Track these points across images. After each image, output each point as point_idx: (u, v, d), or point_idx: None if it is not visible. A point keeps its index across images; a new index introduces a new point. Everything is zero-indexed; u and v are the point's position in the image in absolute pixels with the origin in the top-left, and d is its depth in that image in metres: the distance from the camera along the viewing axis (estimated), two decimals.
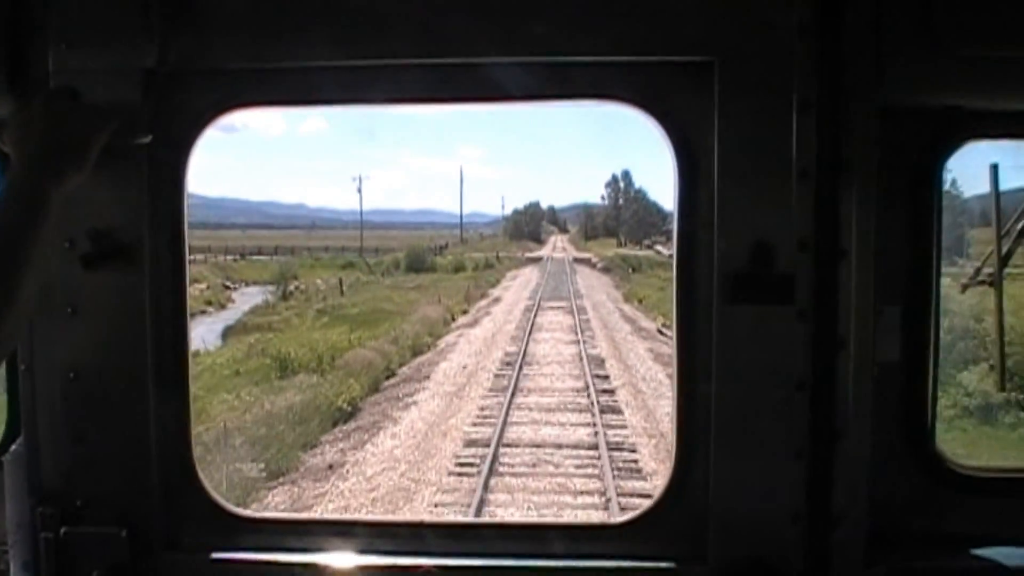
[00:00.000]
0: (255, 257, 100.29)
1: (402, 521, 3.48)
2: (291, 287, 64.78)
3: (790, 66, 2.57)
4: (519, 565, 2.79)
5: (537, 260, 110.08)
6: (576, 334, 38.37)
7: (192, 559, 2.83)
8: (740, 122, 2.61)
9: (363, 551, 2.85)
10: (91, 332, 2.73)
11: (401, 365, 32.24)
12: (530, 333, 38.26)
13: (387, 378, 30.11)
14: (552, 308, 49.75)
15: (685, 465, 2.79)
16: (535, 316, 45.47)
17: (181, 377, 2.86)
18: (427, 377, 29.64)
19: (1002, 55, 2.41)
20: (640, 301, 52.75)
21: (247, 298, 60.41)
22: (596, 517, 15.53)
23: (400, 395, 27.20)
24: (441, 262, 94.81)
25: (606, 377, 28.37)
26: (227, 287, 68.44)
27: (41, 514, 2.75)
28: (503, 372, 29.28)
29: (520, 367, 29.73)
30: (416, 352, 35.52)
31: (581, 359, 31.46)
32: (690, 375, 2.76)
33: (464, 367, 30.83)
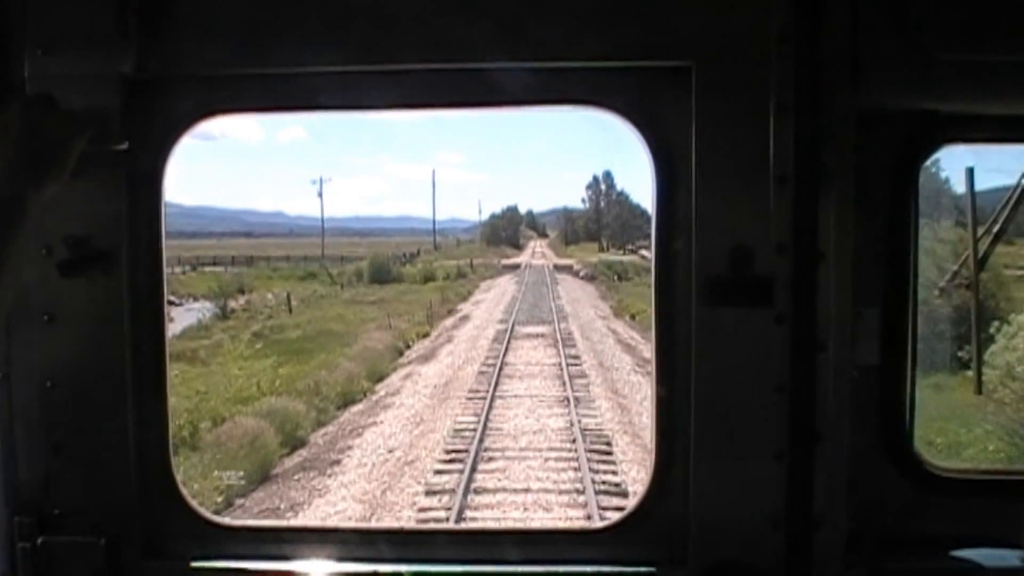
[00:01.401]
0: (210, 268, 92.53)
1: (382, 528, 3.59)
2: (239, 302, 56.87)
3: (768, 70, 2.58)
4: (498, 571, 2.81)
5: (515, 268, 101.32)
6: (563, 385, 26.63)
7: (171, 567, 2.82)
8: (718, 126, 2.62)
9: (342, 558, 2.85)
10: (68, 340, 2.72)
11: (298, 447, 21.21)
12: (495, 388, 25.99)
13: (273, 466, 19.61)
14: (530, 336, 38.24)
15: (665, 469, 2.79)
16: (505, 351, 33.42)
17: (159, 385, 2.85)
18: (334, 465, 19.70)
19: (979, 59, 2.35)
20: (633, 317, 43.86)
21: (190, 315, 51.81)
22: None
23: (277, 504, 17.49)
24: (410, 271, 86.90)
25: (622, 492, 16.81)
26: (170, 303, 60.73)
27: (19, 523, 2.74)
28: (447, 468, 18.45)
29: (473, 464, 18.38)
30: (346, 402, 26.32)
31: (575, 446, 19.60)
32: (669, 379, 2.77)
33: (391, 451, 20.29)
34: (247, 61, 2.70)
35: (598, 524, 3.30)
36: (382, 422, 23.77)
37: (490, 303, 59.17)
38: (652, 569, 2.77)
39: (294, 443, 21.56)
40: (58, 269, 2.68)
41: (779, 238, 2.61)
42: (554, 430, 21.57)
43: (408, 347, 38.19)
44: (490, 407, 23.83)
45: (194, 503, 2.92)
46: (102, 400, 2.76)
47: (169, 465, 2.89)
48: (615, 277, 75.22)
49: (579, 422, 21.82)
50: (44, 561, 2.74)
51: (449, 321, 48.59)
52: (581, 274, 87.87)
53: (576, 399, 24.59)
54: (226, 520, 3.07)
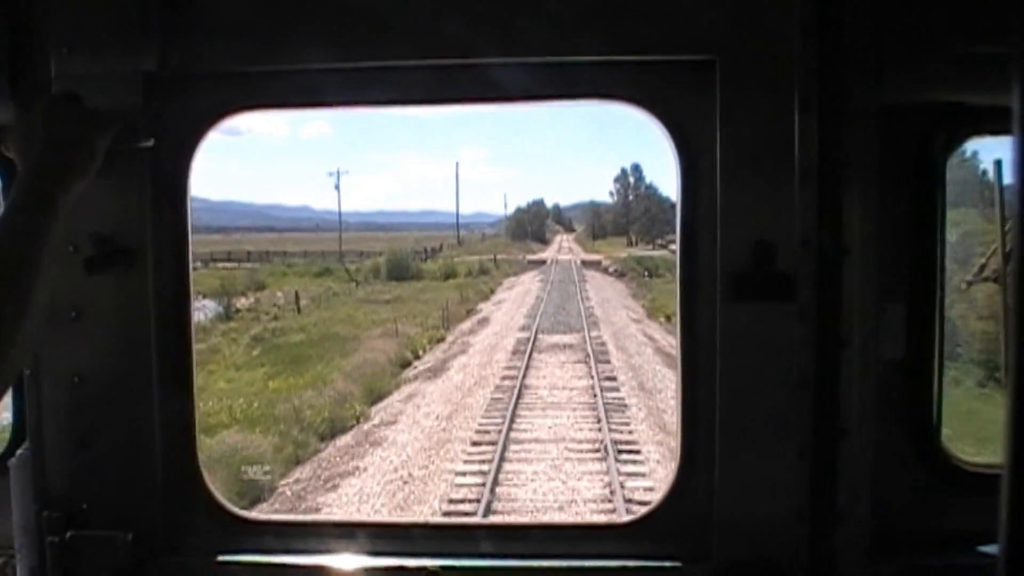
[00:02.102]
0: (223, 264, 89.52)
1: (406, 522, 3.13)
2: (247, 301, 53.42)
3: (791, 64, 2.57)
4: (523, 566, 2.80)
5: (540, 264, 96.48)
6: (597, 422, 21.29)
7: (196, 562, 2.84)
8: (741, 121, 2.62)
9: (367, 552, 2.86)
10: (95, 336, 2.74)
11: (256, 500, 17.11)
12: (509, 427, 20.95)
13: None
14: (556, 348, 32.83)
15: (688, 465, 2.79)
16: (526, 369, 28.23)
17: (185, 380, 2.88)
18: None
19: (1003, 51, 2.01)
20: (668, 318, 39.27)
21: (196, 314, 48.50)
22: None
23: None
24: (430, 267, 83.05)
25: None
26: None
27: (47, 518, 2.76)
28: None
29: None
30: (334, 432, 22.10)
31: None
32: (693, 374, 2.76)
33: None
34: (270, 58, 2.71)
35: (622, 519, 3.09)
36: (365, 469, 19.35)
37: (512, 303, 54.13)
38: (676, 564, 2.76)
39: (252, 495, 17.27)
40: (84, 266, 2.69)
41: (803, 233, 2.60)
42: (587, 501, 16.71)
43: (417, 357, 33.81)
44: (501, 458, 18.79)
45: (220, 497, 2.93)
46: (129, 395, 2.77)
47: (195, 460, 2.89)
48: (645, 273, 71.57)
49: (621, 488, 16.75)
50: (72, 555, 2.75)
51: (466, 324, 44.21)
52: (610, 270, 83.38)
53: (616, 448, 19.13)
54: (252, 515, 3.10)
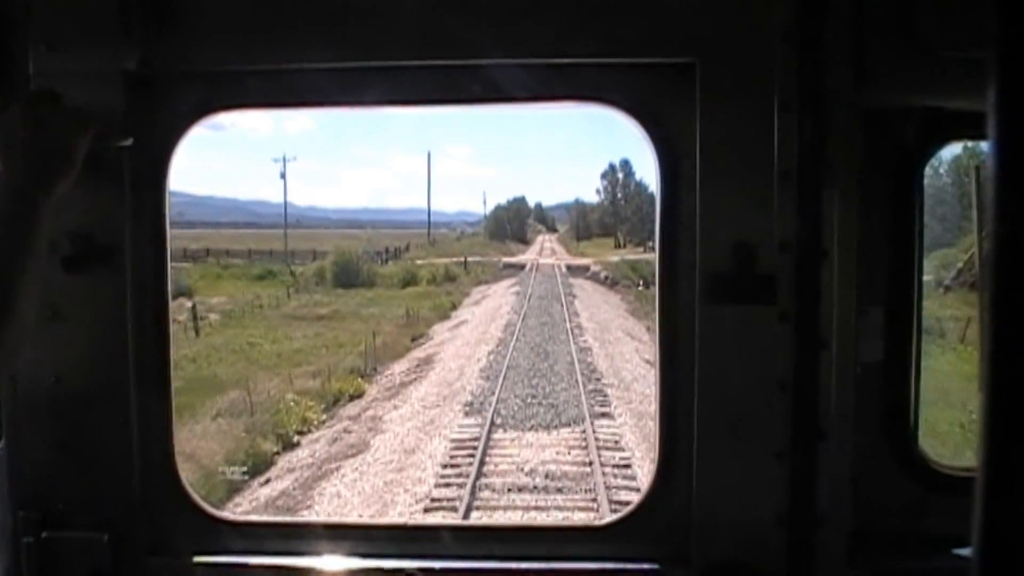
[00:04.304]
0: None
1: (387, 524, 3.38)
2: None
3: (772, 67, 2.58)
4: (503, 567, 2.80)
5: (518, 269, 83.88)
6: None
7: (175, 563, 2.83)
8: (722, 123, 2.63)
9: (347, 554, 2.86)
10: (73, 336, 2.73)
11: None
12: None
13: None
14: (532, 463, 18.45)
15: (668, 467, 2.80)
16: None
17: (163, 381, 2.87)
18: None
19: (984, 56, 1.80)
20: None
21: None
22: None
23: None
24: (388, 272, 70.38)
25: None
26: None
27: (23, 519, 2.74)
28: None
29: None
30: None
31: None
32: (672, 376, 2.77)
33: None
34: (250, 57, 2.70)
35: (602, 521, 3.15)
36: None
37: (478, 323, 40.68)
38: (655, 566, 2.77)
39: None
40: (62, 265, 2.67)
41: (782, 235, 2.61)
42: None
43: (289, 446, 20.78)
44: None
45: (197, 498, 2.92)
46: (106, 396, 2.76)
47: (173, 461, 2.89)
48: (640, 283, 58.61)
49: None
50: (48, 556, 2.74)
51: (400, 366, 31.11)
52: (601, 276, 70.62)
53: None
54: (229, 515, 3.21)
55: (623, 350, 32.38)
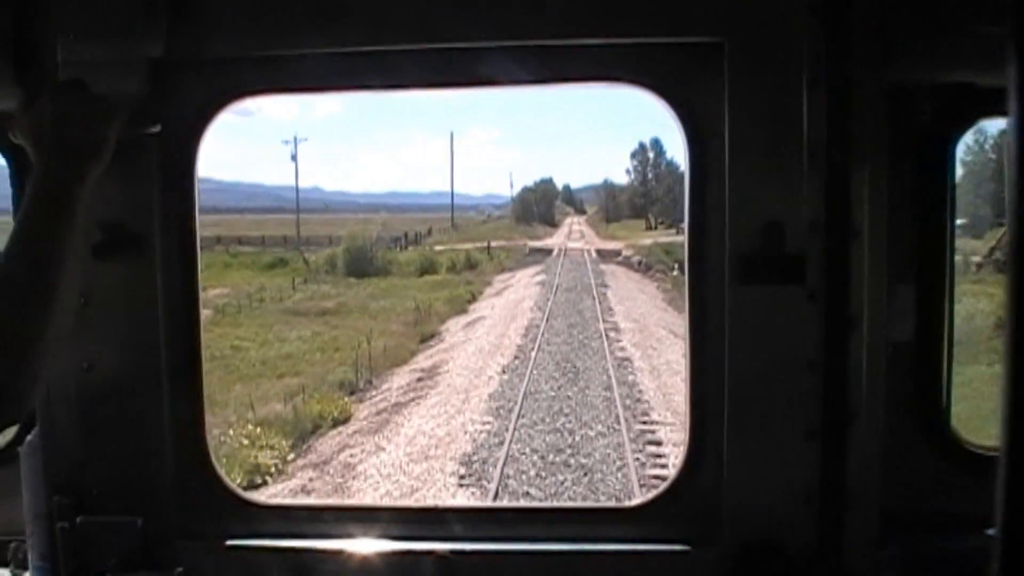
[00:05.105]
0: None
1: (417, 506, 3.54)
2: None
3: (799, 46, 2.56)
4: (533, 549, 2.79)
5: (545, 254, 78.62)
6: None
7: (207, 547, 2.84)
8: (750, 103, 2.61)
9: (378, 536, 2.85)
10: (104, 323, 2.75)
11: None
12: None
13: None
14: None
15: (698, 448, 2.79)
16: None
17: (194, 366, 2.88)
18: None
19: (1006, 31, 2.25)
20: None
21: None
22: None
23: None
24: (406, 258, 65.77)
25: None
26: None
27: (57, 504, 2.76)
28: None
29: None
30: None
31: None
32: (703, 357, 2.76)
33: None
34: (274, 43, 2.71)
35: (631, 503, 3.11)
36: None
37: (491, 330, 34.08)
38: (685, 547, 2.76)
39: None
40: (92, 253, 2.68)
41: (812, 215, 2.59)
42: None
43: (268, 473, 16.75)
44: None
45: (229, 482, 2.95)
46: (138, 381, 2.78)
47: (204, 445, 2.90)
48: (675, 266, 53.69)
49: None
50: (82, 541, 2.76)
51: (396, 381, 26.06)
52: (633, 260, 65.25)
53: None
54: (261, 499, 3.29)
55: (670, 359, 26.14)
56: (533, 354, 27.84)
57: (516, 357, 27.79)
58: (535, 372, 25.32)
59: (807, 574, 2.65)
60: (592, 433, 19.51)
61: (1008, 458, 0.95)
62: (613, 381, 23.69)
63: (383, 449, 19.32)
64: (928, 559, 2.77)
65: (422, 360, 29.40)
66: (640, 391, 22.82)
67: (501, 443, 18.67)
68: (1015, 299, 0.89)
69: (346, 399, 23.53)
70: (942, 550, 2.77)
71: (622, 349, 28.43)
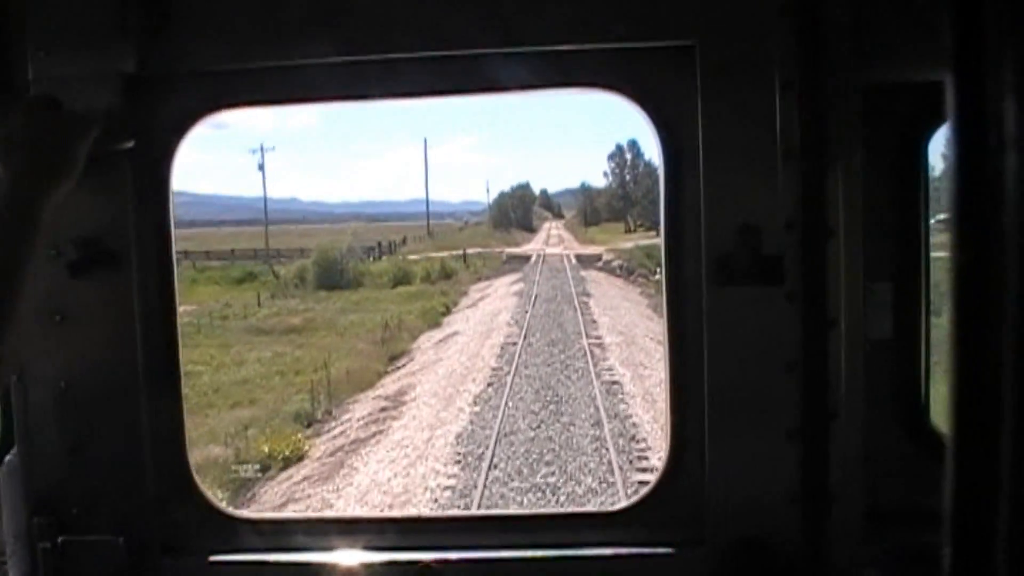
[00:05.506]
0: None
1: (402, 516, 3.68)
2: None
3: (771, 47, 2.57)
4: (518, 556, 2.78)
5: (523, 260, 76.31)
6: None
7: (191, 563, 2.82)
8: (723, 105, 2.62)
9: (363, 548, 2.84)
10: (81, 340, 2.73)
11: None
12: None
13: None
14: None
15: (680, 450, 2.79)
16: None
17: (173, 381, 2.86)
18: None
19: None
20: None
21: None
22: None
23: None
24: (380, 269, 63.60)
25: None
26: None
27: (38, 524, 2.74)
28: None
29: None
30: None
31: None
32: (681, 359, 2.76)
33: None
34: (248, 55, 2.70)
35: (615, 507, 3.09)
36: None
37: (465, 348, 30.89)
38: (670, 550, 2.76)
39: None
40: (67, 270, 2.67)
41: (787, 215, 2.60)
42: None
43: None
44: None
45: (211, 498, 2.91)
46: (116, 399, 2.76)
47: (185, 461, 2.88)
48: (657, 271, 51.81)
49: None
50: (64, 561, 2.73)
51: (359, 410, 23.56)
52: (614, 264, 63.44)
53: None
54: (244, 513, 3.27)
55: (664, 378, 22.81)
56: (509, 379, 24.80)
57: (490, 384, 24.73)
58: (511, 404, 22.12)
59: (792, 573, 2.65)
60: (580, 490, 16.84)
61: (956, 446, 0.97)
62: (602, 414, 20.61)
63: (330, 506, 16.83)
64: (911, 554, 2.69)
65: (389, 384, 26.86)
66: (634, 424, 19.82)
67: (467, 507, 15.96)
68: (959, 289, 0.92)
69: (299, 435, 21.00)
70: (926, 545, 2.16)
71: (610, 370, 25.57)
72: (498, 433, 19.65)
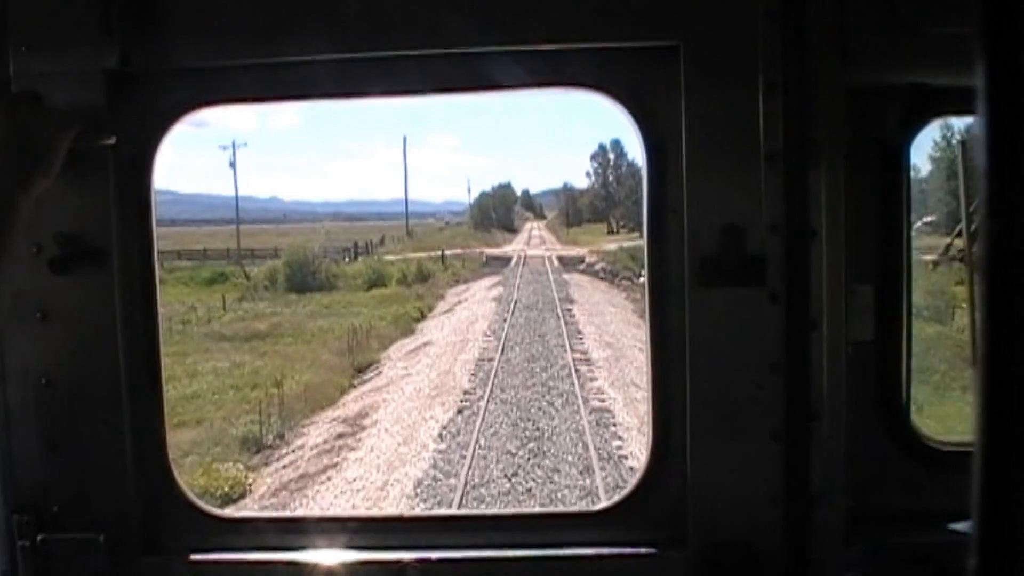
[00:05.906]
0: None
1: (384, 516, 3.53)
2: None
3: (755, 48, 2.58)
4: (501, 556, 2.79)
5: (503, 263, 74.06)
6: None
7: (171, 562, 2.81)
8: (707, 105, 2.63)
9: (345, 547, 2.84)
10: (62, 337, 2.73)
11: None
12: None
13: None
14: None
15: (662, 451, 2.80)
16: None
17: (154, 379, 2.86)
18: None
19: (967, 32, 1.75)
20: None
21: None
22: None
23: None
24: (354, 271, 61.18)
25: None
26: None
27: (17, 522, 2.73)
28: None
29: None
30: None
31: None
32: (664, 360, 2.77)
33: None
34: (231, 52, 2.70)
35: (597, 507, 3.11)
36: None
37: (436, 363, 27.81)
38: (652, 550, 2.76)
39: None
40: (49, 267, 2.67)
41: (770, 217, 2.61)
42: None
43: None
44: None
45: (193, 496, 2.91)
46: (97, 396, 2.75)
47: (166, 460, 2.87)
48: (642, 273, 49.17)
49: None
50: (44, 559, 2.73)
51: (314, 435, 21.16)
52: (598, 269, 61.30)
53: None
54: (225, 512, 3.21)
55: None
56: (483, 405, 21.43)
57: (460, 411, 21.34)
58: (482, 442, 18.65)
59: (774, 573, 2.66)
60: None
61: (983, 452, 0.94)
62: (592, 454, 17.37)
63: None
64: (894, 555, 2.78)
65: (350, 403, 24.01)
66: (631, 469, 16.16)
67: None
68: (987, 295, 0.90)
69: (242, 466, 18.53)
70: (907, 545, 2.76)
71: (598, 394, 22.39)
72: (465, 484, 16.34)
